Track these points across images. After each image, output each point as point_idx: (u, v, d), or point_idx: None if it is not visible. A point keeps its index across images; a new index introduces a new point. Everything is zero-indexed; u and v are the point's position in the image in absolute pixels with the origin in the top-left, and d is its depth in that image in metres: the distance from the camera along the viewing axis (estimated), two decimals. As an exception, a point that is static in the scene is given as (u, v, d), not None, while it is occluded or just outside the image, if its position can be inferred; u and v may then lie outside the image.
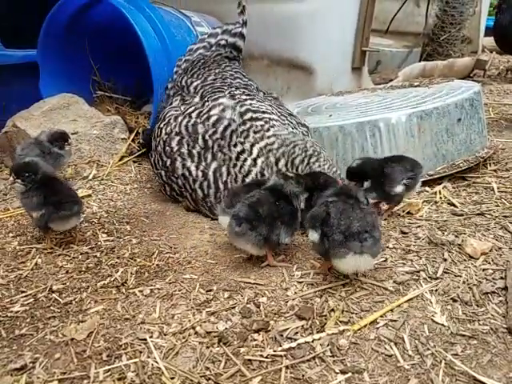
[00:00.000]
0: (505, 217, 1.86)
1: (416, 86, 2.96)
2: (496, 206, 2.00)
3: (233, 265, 1.58)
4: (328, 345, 1.16)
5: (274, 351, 1.15)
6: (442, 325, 1.22)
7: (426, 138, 2.26)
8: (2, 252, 1.77)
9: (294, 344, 1.16)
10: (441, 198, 2.12)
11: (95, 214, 2.05)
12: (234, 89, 2.25)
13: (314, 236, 1.37)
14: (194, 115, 2.07)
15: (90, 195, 2.21)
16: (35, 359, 1.17)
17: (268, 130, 1.94)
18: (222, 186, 1.91)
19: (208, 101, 2.13)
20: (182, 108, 2.20)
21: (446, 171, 2.29)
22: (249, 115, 1.99)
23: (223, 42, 2.72)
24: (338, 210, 1.36)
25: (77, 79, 3.40)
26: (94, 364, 1.13)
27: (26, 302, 1.45)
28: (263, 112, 2.03)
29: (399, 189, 1.83)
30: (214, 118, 2.00)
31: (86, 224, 1.98)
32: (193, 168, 1.97)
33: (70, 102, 2.90)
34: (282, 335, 1.20)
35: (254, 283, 1.43)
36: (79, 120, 2.84)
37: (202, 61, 2.63)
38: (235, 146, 1.92)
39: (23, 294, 1.50)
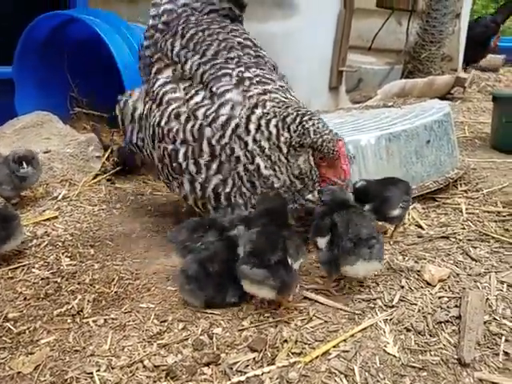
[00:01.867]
0: (469, 240, 1.88)
1: (389, 107, 3.00)
2: (462, 228, 2.02)
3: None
4: (277, 378, 1.15)
5: (223, 385, 1.13)
6: (394, 356, 1.22)
7: (395, 160, 2.28)
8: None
9: (243, 378, 1.15)
10: (409, 219, 2.13)
11: (60, 236, 2.02)
12: (242, 69, 1.83)
13: (321, 243, 1.42)
14: (199, 115, 1.74)
15: (56, 217, 2.18)
16: (-24, 396, 1.14)
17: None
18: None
19: (214, 94, 1.75)
20: (183, 92, 1.84)
21: (416, 192, 2.31)
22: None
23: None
24: (344, 218, 1.41)
25: (54, 96, 3.40)
26: (35, 401, 1.10)
27: (-23, 332, 1.42)
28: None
29: (397, 212, 1.84)
30: (222, 119, 1.70)
31: (51, 247, 1.96)
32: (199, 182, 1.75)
33: (43, 120, 2.89)
34: (231, 368, 1.19)
35: (210, 313, 1.42)
36: (53, 138, 2.83)
37: (193, 18, 2.06)
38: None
39: (-24, 323, 1.47)
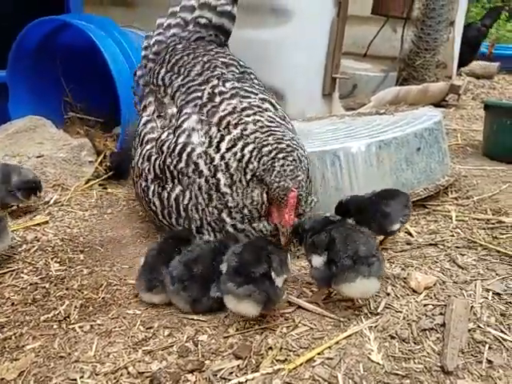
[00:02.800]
0: (457, 247, 1.90)
1: (382, 114, 3.03)
2: (451, 235, 2.03)
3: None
4: (261, 385, 1.15)
5: (206, 392, 1.13)
6: (378, 363, 1.23)
7: (385, 168, 2.30)
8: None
9: (226, 385, 1.15)
10: (399, 226, 2.14)
11: (50, 241, 2.02)
12: (219, 83, 1.88)
13: (318, 261, 1.39)
14: (164, 149, 1.82)
15: (47, 222, 2.18)
16: (-41, 402, 1.13)
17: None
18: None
19: (177, 127, 1.83)
20: (159, 124, 1.95)
21: (406, 199, 2.33)
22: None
23: (204, 21, 2.20)
24: (343, 235, 1.38)
25: (48, 101, 3.40)
26: (17, 408, 1.10)
27: (-36, 338, 1.42)
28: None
29: (397, 226, 1.84)
30: (179, 147, 1.77)
31: (40, 252, 1.95)
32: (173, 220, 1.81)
33: (36, 125, 2.89)
34: (215, 375, 1.19)
35: (196, 319, 1.42)
36: (46, 143, 2.84)
37: (180, 46, 2.15)
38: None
39: (-37, 329, 1.46)
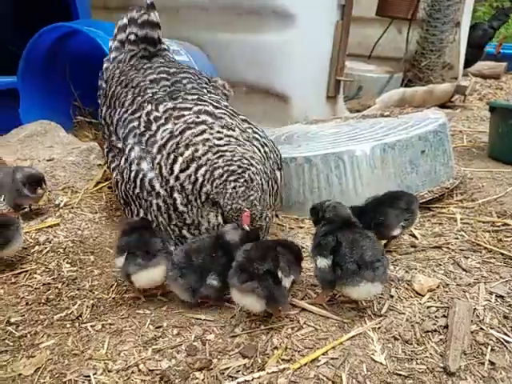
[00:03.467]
0: (461, 250, 1.92)
1: (386, 116, 3.05)
2: (455, 238, 2.05)
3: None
4: (267, 383, 1.19)
5: (214, 390, 1.17)
6: (381, 363, 1.26)
7: (390, 170, 2.32)
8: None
9: (233, 383, 1.19)
10: (404, 229, 2.16)
11: (61, 243, 2.07)
12: (153, 107, 1.92)
13: (323, 263, 1.42)
14: (125, 176, 1.88)
15: (58, 224, 2.24)
16: (-21, 396, 1.19)
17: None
18: None
19: (127, 157, 1.88)
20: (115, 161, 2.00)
21: (410, 202, 2.35)
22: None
23: (133, 38, 2.24)
24: (349, 239, 1.42)
25: (57, 105, 3.48)
26: (34, 403, 1.15)
27: (-18, 335, 1.47)
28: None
29: (397, 231, 1.85)
30: (132, 174, 1.84)
31: (52, 254, 2.01)
32: None
33: (47, 129, 2.95)
34: (223, 373, 1.23)
35: (204, 319, 1.46)
36: (56, 146, 2.90)
37: (118, 71, 2.22)
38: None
39: (-20, 327, 1.52)
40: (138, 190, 1.82)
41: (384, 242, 1.94)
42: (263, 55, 3.51)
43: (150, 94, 2.00)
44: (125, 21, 2.27)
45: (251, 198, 1.60)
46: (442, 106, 5.33)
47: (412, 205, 1.90)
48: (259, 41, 3.52)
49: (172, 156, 1.75)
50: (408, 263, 1.77)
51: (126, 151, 1.89)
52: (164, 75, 2.11)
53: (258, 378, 1.20)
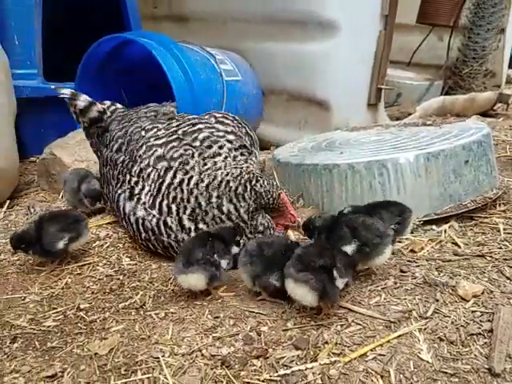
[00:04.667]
0: (505, 259, 1.94)
1: (428, 125, 3.08)
2: (499, 248, 2.07)
3: (240, 293, 1.74)
4: (319, 374, 1.29)
5: (271, 376, 1.28)
6: (427, 361, 1.33)
7: (433, 179, 2.36)
8: (37, 271, 1.99)
9: (288, 371, 1.30)
10: (446, 237, 2.20)
11: (120, 239, 2.26)
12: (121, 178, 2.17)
13: (349, 250, 1.68)
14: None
15: (116, 221, 2.42)
16: (63, 369, 1.35)
17: None
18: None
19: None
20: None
21: (453, 211, 2.37)
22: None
23: (86, 125, 2.61)
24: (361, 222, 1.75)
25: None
26: (113, 377, 1.30)
27: (56, 318, 1.65)
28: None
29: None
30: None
31: (112, 248, 2.19)
32: None
33: (100, 134, 3.17)
34: (278, 362, 1.34)
35: (257, 312, 1.58)
36: (111, 149, 3.11)
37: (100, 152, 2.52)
38: None
39: (54, 311, 1.70)
40: (144, 235, 2.05)
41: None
42: (305, 64, 3.62)
43: (119, 177, 2.20)
44: (75, 115, 2.60)
45: (272, 183, 1.91)
46: (484, 114, 5.24)
47: (404, 213, 2.01)
48: (302, 50, 3.63)
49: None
50: (452, 270, 1.81)
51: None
52: (119, 144, 2.31)
53: (311, 368, 1.30)
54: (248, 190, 1.85)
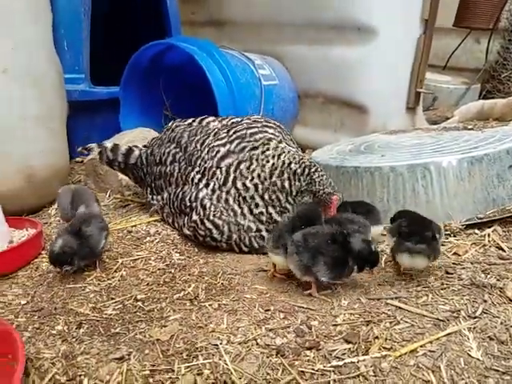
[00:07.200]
0: (552, 264, 1.93)
1: (469, 129, 3.06)
2: (545, 252, 2.06)
3: (287, 290, 1.81)
4: (371, 366, 1.34)
5: (324, 366, 1.35)
6: (478, 359, 1.35)
7: (476, 183, 2.36)
8: (93, 265, 2.13)
9: (341, 363, 1.36)
10: (489, 241, 2.20)
11: (169, 235, 2.37)
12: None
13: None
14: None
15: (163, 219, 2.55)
16: (129, 353, 1.46)
17: None
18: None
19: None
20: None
21: (496, 215, 2.36)
22: None
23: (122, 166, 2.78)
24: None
25: (152, 114, 3.90)
26: (176, 360, 1.40)
27: (116, 307, 1.77)
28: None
29: None
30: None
31: (162, 244, 2.31)
32: None
33: (146, 136, 3.31)
34: (330, 354, 1.40)
35: (306, 308, 1.65)
36: (156, 150, 3.25)
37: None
38: None
39: (113, 301, 1.81)
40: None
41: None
42: (342, 67, 3.67)
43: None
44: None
45: (330, 181, 2.12)
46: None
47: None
48: (339, 53, 3.68)
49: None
50: (499, 272, 1.82)
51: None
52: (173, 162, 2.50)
53: (363, 360, 1.36)
54: (305, 174, 2.08)
